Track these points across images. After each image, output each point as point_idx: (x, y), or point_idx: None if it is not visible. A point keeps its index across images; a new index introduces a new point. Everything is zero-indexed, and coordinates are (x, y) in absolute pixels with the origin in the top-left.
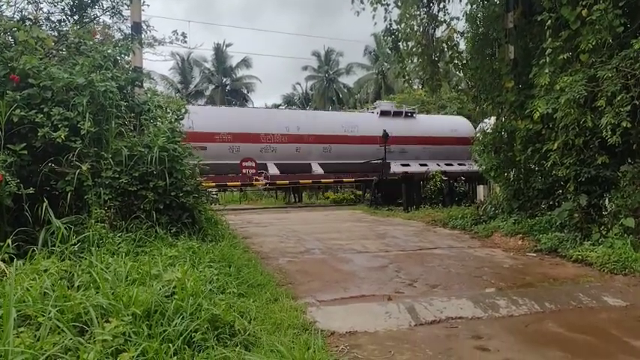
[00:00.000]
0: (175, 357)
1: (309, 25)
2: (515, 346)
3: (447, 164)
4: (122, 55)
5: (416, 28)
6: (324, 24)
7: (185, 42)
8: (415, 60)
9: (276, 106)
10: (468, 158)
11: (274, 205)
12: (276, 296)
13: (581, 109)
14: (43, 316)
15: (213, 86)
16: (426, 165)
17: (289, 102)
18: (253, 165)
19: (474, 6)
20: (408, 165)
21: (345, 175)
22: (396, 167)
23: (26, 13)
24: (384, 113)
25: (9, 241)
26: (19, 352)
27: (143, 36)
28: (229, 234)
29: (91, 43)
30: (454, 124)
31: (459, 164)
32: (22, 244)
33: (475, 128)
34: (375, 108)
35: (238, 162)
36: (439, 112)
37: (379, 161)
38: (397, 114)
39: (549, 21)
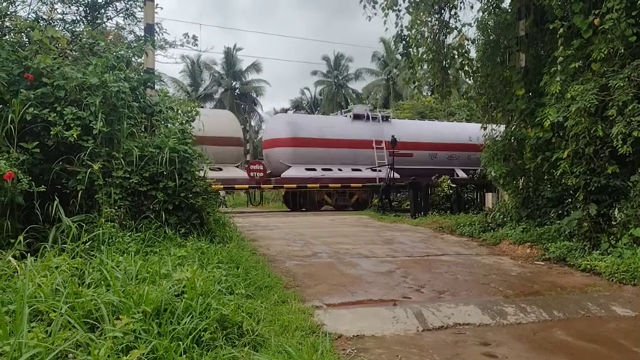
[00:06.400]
0: (184, 355)
1: (326, 24)
2: (523, 353)
3: None
4: (135, 57)
5: (427, 34)
6: (340, 25)
7: (196, 45)
8: (425, 66)
9: (284, 110)
10: None
11: (281, 208)
12: (283, 298)
13: (592, 118)
14: (55, 312)
15: (223, 89)
16: None
17: (297, 107)
18: (261, 168)
19: (486, 13)
20: None
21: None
22: None
23: (41, 14)
24: None
25: (20, 238)
26: (32, 346)
27: (155, 38)
28: (237, 236)
29: (104, 44)
30: None
31: None
32: (32, 242)
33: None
34: None
35: (435, 167)
36: (448, 119)
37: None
38: None
39: (561, 29)
